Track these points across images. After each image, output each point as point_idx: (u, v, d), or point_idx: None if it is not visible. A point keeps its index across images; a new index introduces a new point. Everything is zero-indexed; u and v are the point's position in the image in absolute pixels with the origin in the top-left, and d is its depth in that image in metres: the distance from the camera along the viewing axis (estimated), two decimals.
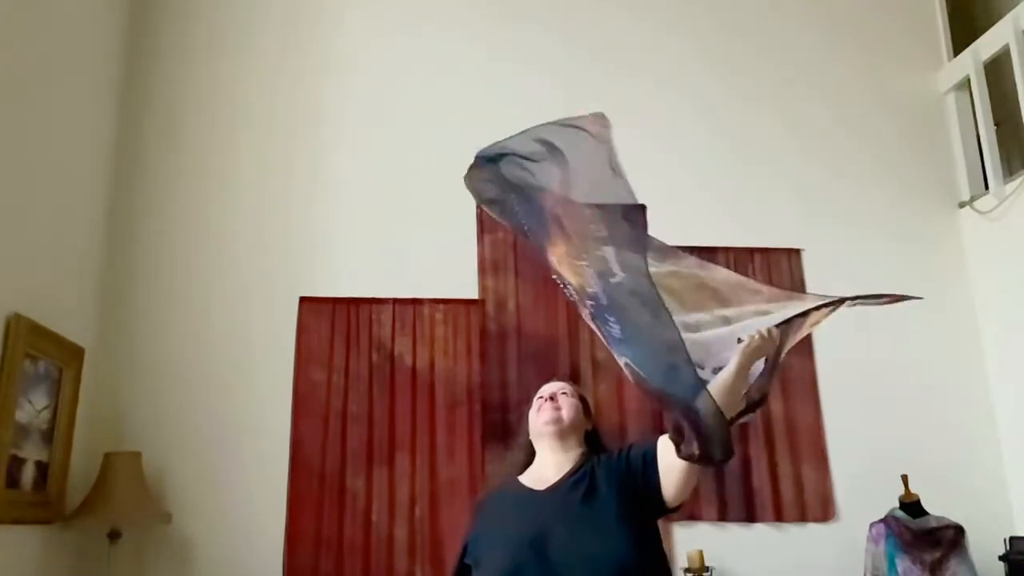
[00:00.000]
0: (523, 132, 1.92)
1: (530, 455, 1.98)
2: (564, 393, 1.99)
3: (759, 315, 1.88)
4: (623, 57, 4.40)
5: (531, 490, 1.86)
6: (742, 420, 1.83)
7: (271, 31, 4.26)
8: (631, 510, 1.73)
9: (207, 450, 3.64)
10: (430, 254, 3.99)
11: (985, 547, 3.54)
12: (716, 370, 1.78)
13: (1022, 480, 3.90)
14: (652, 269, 1.68)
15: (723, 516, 3.77)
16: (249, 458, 3.65)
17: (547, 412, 1.94)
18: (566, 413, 1.94)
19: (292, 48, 4.25)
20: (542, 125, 1.88)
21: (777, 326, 1.79)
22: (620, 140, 4.77)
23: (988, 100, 4.23)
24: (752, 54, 4.47)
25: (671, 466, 1.73)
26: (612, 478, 1.78)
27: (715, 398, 1.55)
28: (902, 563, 3.36)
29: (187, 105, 4.10)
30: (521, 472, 1.96)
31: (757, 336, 1.75)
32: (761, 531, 3.81)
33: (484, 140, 4.52)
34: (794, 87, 4.43)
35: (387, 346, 3.84)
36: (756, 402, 1.81)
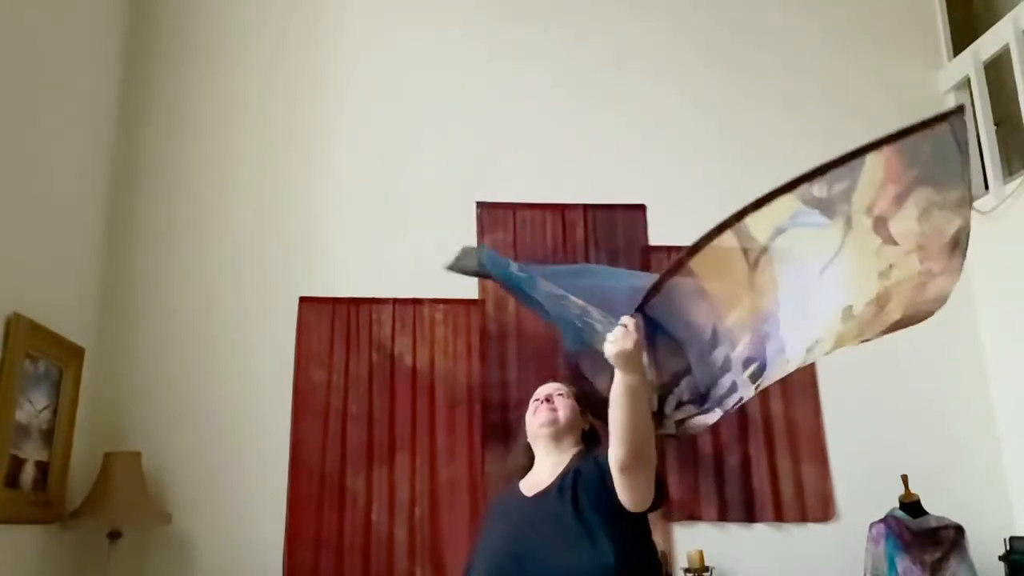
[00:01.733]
0: None
1: (531, 457, 1.98)
2: (560, 394, 1.99)
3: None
4: (624, 55, 4.39)
5: (522, 497, 1.86)
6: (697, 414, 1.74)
7: (270, 31, 4.26)
8: (606, 517, 1.68)
9: (207, 450, 3.64)
10: (430, 254, 3.97)
11: (985, 547, 3.54)
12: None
13: (1022, 480, 3.90)
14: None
15: (723, 516, 3.77)
16: (249, 458, 3.65)
17: (543, 414, 1.94)
18: (562, 414, 1.94)
19: (291, 48, 4.25)
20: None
21: (639, 310, 1.57)
22: (621, 138, 4.80)
23: (988, 100, 4.23)
24: (753, 54, 4.47)
25: (614, 469, 1.68)
26: (588, 484, 1.75)
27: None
28: (902, 563, 3.36)
29: (187, 105, 4.10)
30: (525, 474, 1.96)
31: (611, 338, 1.58)
32: (761, 531, 3.81)
33: (484, 139, 4.52)
34: (794, 87, 4.43)
35: (387, 346, 3.84)
36: (666, 384, 1.65)
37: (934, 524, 3.45)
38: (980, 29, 4.48)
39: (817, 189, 1.41)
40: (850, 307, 1.57)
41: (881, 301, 1.56)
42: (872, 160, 1.39)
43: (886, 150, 1.39)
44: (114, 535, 3.28)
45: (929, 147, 1.41)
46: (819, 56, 4.51)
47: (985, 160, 4.20)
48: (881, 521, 3.50)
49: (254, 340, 3.80)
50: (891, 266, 1.51)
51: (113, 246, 3.82)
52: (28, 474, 3.06)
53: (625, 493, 1.66)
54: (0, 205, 2.92)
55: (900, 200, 1.43)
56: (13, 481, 2.96)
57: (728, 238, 1.47)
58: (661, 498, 1.73)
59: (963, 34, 4.62)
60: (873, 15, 4.63)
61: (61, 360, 3.30)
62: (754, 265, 1.50)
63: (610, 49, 4.41)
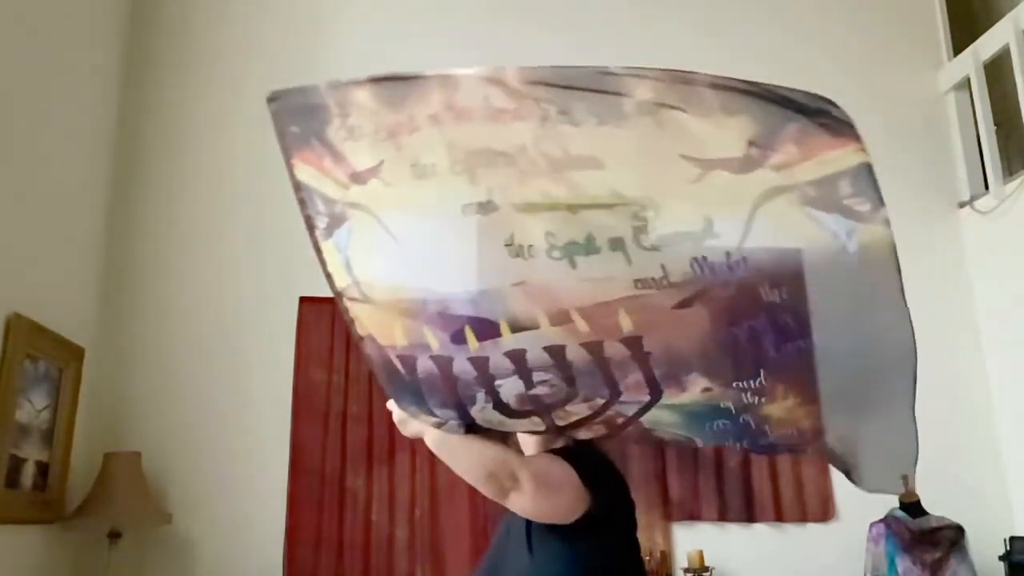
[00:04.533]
0: None
1: None
2: None
3: None
4: (619, 60, 4.39)
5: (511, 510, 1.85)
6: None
7: (269, 31, 4.26)
8: (549, 530, 1.58)
9: (207, 450, 3.64)
10: None
11: (985, 547, 3.54)
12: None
13: (1022, 480, 3.90)
14: None
15: (723, 516, 3.77)
16: (249, 458, 3.65)
17: None
18: None
19: (290, 48, 4.25)
20: None
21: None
22: None
23: (988, 100, 4.23)
24: (752, 54, 4.47)
25: None
26: None
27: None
28: (902, 563, 3.36)
29: (186, 105, 4.10)
30: None
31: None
32: (761, 531, 3.81)
33: None
34: (793, 87, 4.42)
35: None
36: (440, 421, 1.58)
37: (934, 524, 3.45)
38: (980, 29, 4.48)
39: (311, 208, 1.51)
40: (473, 205, 1.37)
41: (470, 162, 1.35)
42: None
43: None
44: (114, 535, 3.28)
45: None
46: (818, 56, 4.51)
47: (985, 160, 4.21)
48: (881, 521, 3.50)
49: (254, 340, 3.80)
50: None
51: (113, 246, 3.83)
52: (28, 474, 3.07)
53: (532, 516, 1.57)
54: (0, 205, 2.92)
55: None
56: (13, 481, 2.96)
57: (350, 305, 1.49)
58: (600, 502, 1.56)
59: (963, 34, 4.62)
60: (873, 15, 4.63)
61: (61, 360, 3.30)
62: (366, 299, 1.49)
63: (606, 51, 4.40)
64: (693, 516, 3.74)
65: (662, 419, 1.50)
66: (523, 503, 1.52)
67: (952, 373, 4.09)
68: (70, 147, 3.52)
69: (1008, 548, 3.57)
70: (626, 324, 1.39)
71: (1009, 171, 4.32)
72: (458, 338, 1.43)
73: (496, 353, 1.43)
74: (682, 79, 1.34)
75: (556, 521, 1.53)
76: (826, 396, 1.46)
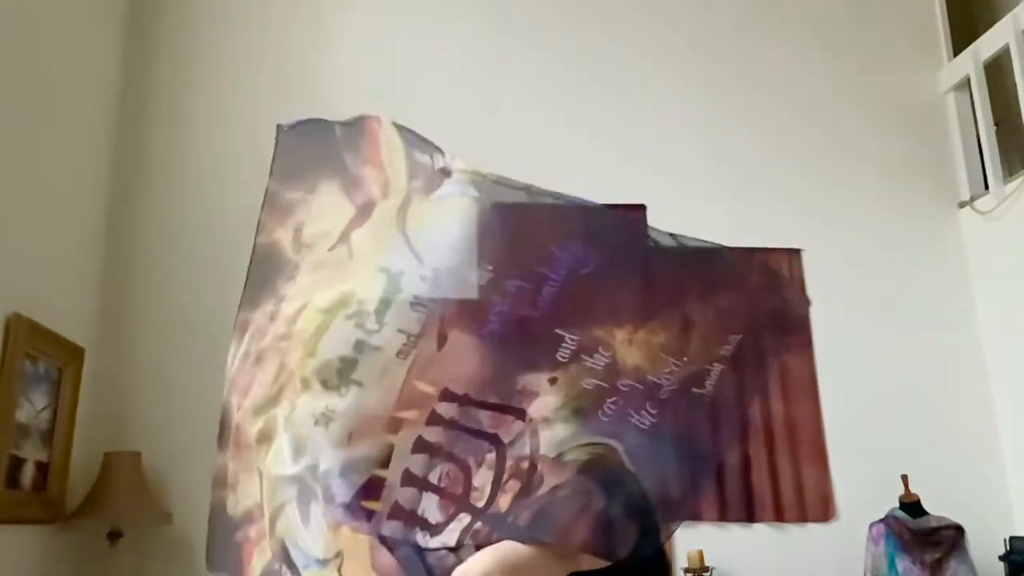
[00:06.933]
0: None
1: None
2: None
3: None
4: (623, 54, 4.39)
5: None
6: None
7: (271, 26, 4.26)
8: None
9: (207, 450, 3.59)
10: None
11: (985, 547, 3.54)
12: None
13: (1022, 480, 3.90)
14: None
15: (723, 516, 3.77)
16: None
17: None
18: None
19: (292, 48, 4.25)
20: None
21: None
22: (623, 138, 4.75)
23: (988, 100, 4.23)
24: (752, 54, 4.47)
25: None
26: None
27: None
28: (902, 563, 3.36)
29: (187, 104, 4.10)
30: None
31: None
32: (761, 531, 3.81)
33: (482, 137, 4.49)
34: (794, 87, 4.43)
35: None
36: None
37: (934, 524, 3.45)
38: (980, 29, 4.48)
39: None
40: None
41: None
42: None
43: None
44: (114, 535, 3.28)
45: None
46: (819, 56, 4.51)
47: (985, 160, 4.21)
48: (881, 521, 3.50)
49: None
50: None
51: (113, 246, 3.82)
52: (28, 474, 3.06)
53: None
54: (0, 205, 2.92)
55: None
56: (13, 481, 2.96)
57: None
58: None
59: (963, 34, 4.62)
60: (873, 16, 4.63)
61: (61, 360, 3.30)
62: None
63: (609, 48, 4.40)
64: (693, 516, 3.73)
65: (560, 436, 1.42)
66: (592, 562, 1.33)
67: (952, 373, 4.09)
68: (70, 147, 3.52)
69: (1008, 548, 3.57)
70: (428, 389, 1.44)
71: (1009, 171, 4.31)
72: (367, 516, 1.46)
73: (395, 492, 1.45)
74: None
75: (623, 556, 1.33)
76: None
